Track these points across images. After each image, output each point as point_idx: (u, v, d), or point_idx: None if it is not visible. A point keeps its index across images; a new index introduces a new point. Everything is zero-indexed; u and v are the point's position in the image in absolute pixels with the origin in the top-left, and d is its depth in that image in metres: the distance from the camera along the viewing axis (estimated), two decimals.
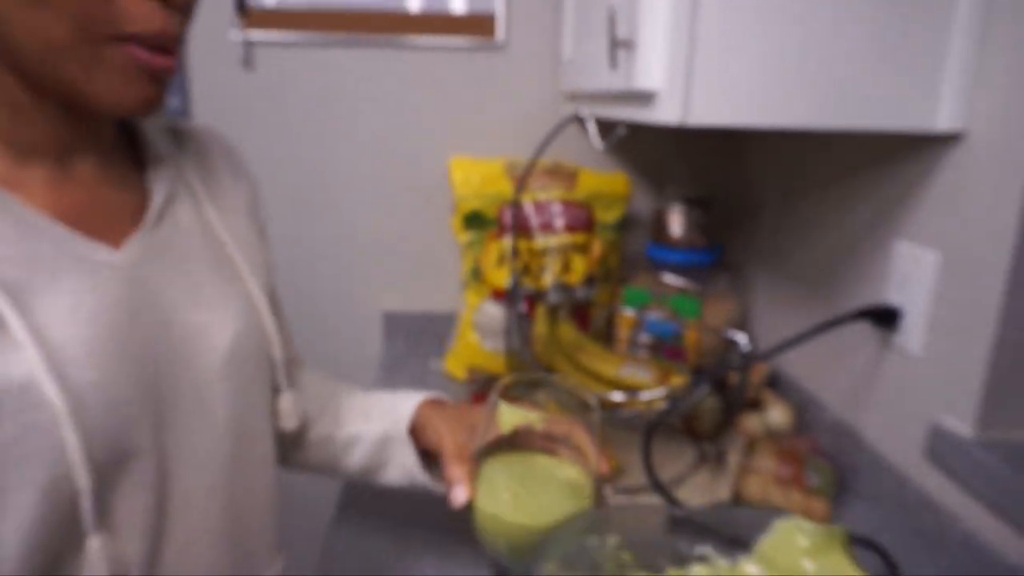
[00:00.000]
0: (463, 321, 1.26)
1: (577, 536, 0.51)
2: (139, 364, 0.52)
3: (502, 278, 1.20)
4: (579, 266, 1.21)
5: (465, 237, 1.23)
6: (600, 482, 0.62)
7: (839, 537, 0.50)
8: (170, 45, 0.49)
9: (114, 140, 0.58)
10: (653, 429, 0.88)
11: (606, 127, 0.91)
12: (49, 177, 0.51)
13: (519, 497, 0.60)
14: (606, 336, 1.27)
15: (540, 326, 1.04)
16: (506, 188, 1.22)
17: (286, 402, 0.67)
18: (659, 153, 0.86)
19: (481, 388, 1.11)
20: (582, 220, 1.21)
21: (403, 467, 0.73)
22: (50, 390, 0.45)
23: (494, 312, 1.22)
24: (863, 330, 0.88)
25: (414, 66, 1.28)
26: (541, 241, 1.20)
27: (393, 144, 1.32)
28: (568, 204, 1.21)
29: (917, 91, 0.72)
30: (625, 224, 1.27)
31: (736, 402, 0.92)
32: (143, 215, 0.56)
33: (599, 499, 0.61)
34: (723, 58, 0.70)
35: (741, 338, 0.92)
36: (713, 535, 0.53)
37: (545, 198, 1.21)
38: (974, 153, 0.73)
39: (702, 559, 0.53)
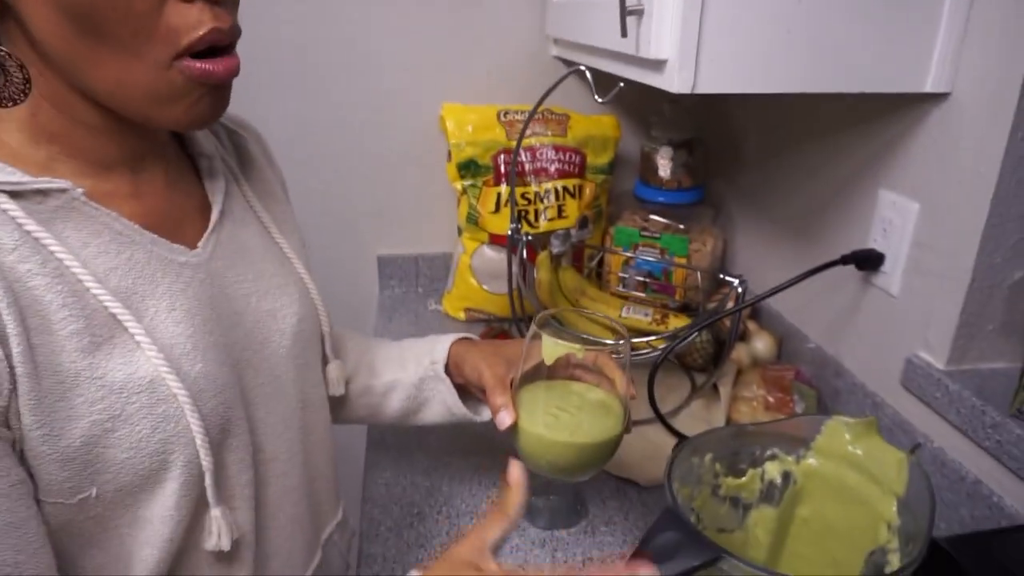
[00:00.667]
0: (460, 264, 1.30)
1: (687, 458, 0.61)
2: (226, 351, 0.56)
3: (500, 224, 1.24)
4: (572, 209, 1.25)
5: (460, 184, 1.26)
6: (628, 403, 0.70)
7: (873, 424, 0.62)
8: (225, 41, 0.49)
9: (170, 143, 0.60)
10: (656, 369, 0.95)
11: (600, 77, 0.94)
12: (130, 188, 0.53)
13: (559, 418, 0.69)
14: (597, 274, 1.34)
15: (543, 272, 1.09)
16: (499, 134, 1.25)
17: (333, 371, 0.73)
18: (645, 95, 0.89)
19: (494, 331, 1.17)
20: (575, 164, 1.25)
21: (444, 404, 0.80)
22: (172, 384, 0.50)
23: (493, 256, 1.26)
24: (845, 271, 0.96)
25: (399, 10, 1.27)
26: (535, 186, 1.24)
27: (380, 89, 1.32)
28: (561, 149, 1.25)
29: (910, 56, 0.77)
30: (613, 165, 1.32)
31: (730, 339, 1.00)
32: (206, 215, 0.59)
33: (627, 418, 0.69)
34: (731, 27, 0.74)
35: (735, 279, 0.99)
36: (778, 439, 0.65)
37: (538, 144, 1.24)
38: (958, 111, 0.79)
39: (772, 458, 0.65)
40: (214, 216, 0.59)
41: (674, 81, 0.76)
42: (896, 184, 0.89)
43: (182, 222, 0.57)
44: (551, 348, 0.67)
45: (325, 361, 0.73)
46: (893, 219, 0.89)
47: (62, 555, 0.50)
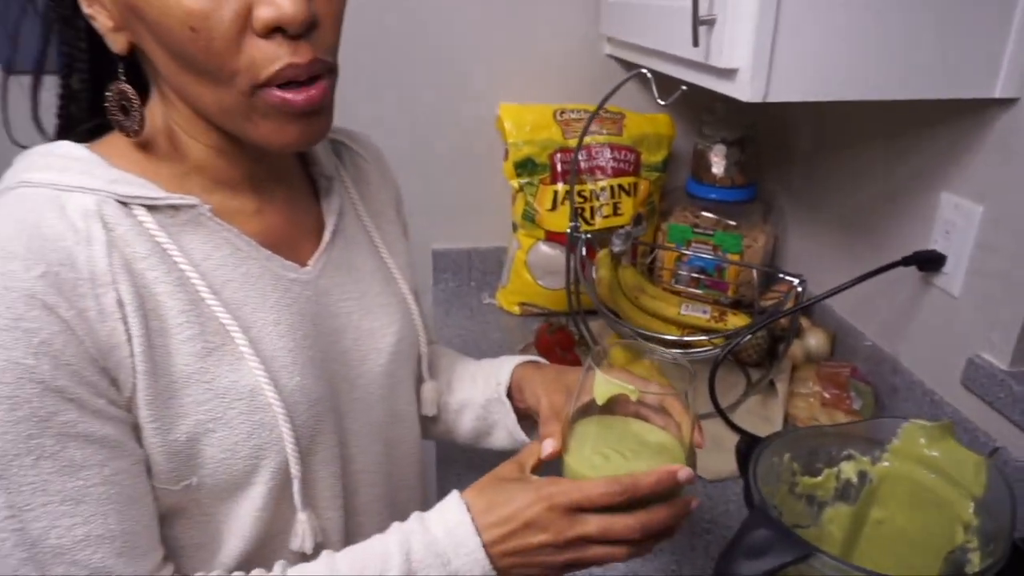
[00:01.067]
0: (515, 260, 1.33)
1: (768, 458, 0.64)
2: (323, 366, 0.60)
3: (557, 221, 1.27)
4: (628, 206, 1.28)
5: (517, 182, 1.29)
6: (693, 450, 0.62)
7: (948, 428, 0.64)
8: (302, 76, 0.49)
9: (293, 164, 0.63)
10: (716, 367, 0.98)
11: (660, 79, 0.96)
12: (253, 206, 0.58)
13: (608, 459, 0.60)
14: (649, 269, 1.36)
15: (603, 270, 1.12)
16: (556, 133, 1.27)
17: (427, 391, 0.75)
18: (698, 93, 0.91)
19: (553, 327, 1.19)
20: (630, 162, 1.28)
21: (506, 428, 0.77)
22: (270, 394, 0.54)
23: (549, 252, 1.29)
24: (903, 270, 0.97)
25: (457, 11, 1.29)
26: (591, 184, 1.26)
27: (439, 88, 1.34)
28: (616, 147, 1.27)
29: (980, 62, 0.79)
30: (667, 163, 1.33)
31: (788, 338, 1.02)
32: (321, 233, 0.63)
33: (691, 466, 0.59)
34: (804, 36, 0.75)
35: (795, 278, 1.01)
36: (855, 441, 0.68)
37: (594, 143, 1.26)
38: None
39: (849, 458, 0.68)
40: (326, 236, 0.63)
41: (746, 90, 0.78)
42: (959, 187, 0.91)
43: (297, 240, 0.61)
44: (603, 387, 0.59)
45: (420, 380, 0.75)
46: (956, 221, 0.91)
47: (166, 530, 0.55)
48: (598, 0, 1.30)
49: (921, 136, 0.97)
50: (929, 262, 0.93)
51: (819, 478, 0.68)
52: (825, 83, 0.78)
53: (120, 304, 0.48)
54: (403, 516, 0.73)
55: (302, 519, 0.58)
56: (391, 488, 0.70)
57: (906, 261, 0.94)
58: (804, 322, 1.21)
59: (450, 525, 0.53)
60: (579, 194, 1.25)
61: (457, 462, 0.97)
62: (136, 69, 0.54)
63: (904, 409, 1.01)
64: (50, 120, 0.57)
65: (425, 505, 0.79)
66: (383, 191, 0.74)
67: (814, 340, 1.18)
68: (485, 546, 0.53)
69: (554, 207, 1.27)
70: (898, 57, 0.77)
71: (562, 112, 1.28)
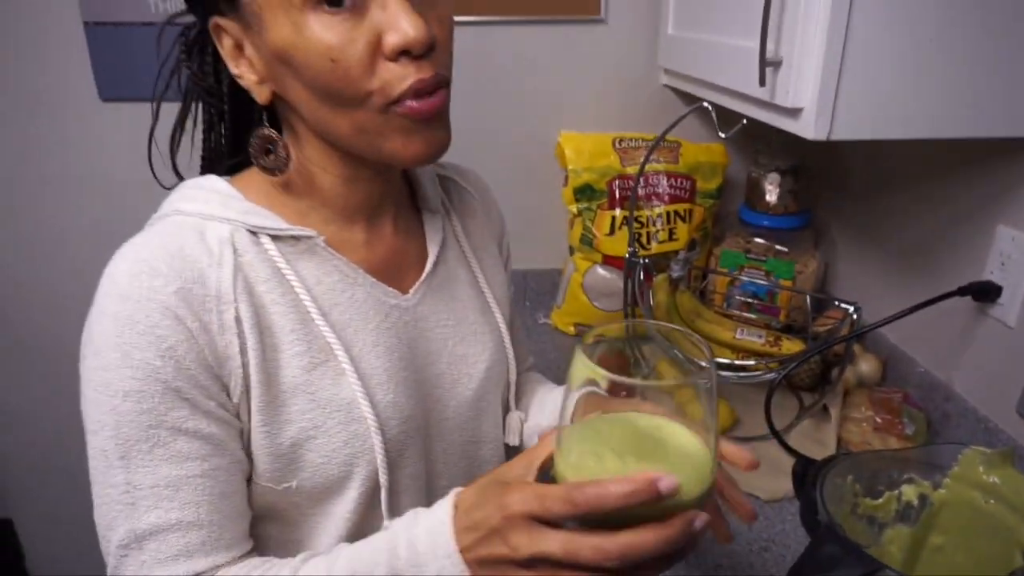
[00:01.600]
0: (571, 282, 1.38)
1: (832, 479, 0.67)
2: (416, 387, 0.66)
3: (614, 246, 1.31)
4: (683, 232, 1.32)
5: (575, 207, 1.34)
6: (715, 452, 0.49)
7: (1008, 455, 0.67)
8: (428, 88, 0.55)
9: (404, 196, 0.69)
10: (772, 391, 1.01)
11: (719, 111, 1.01)
12: (363, 237, 0.64)
13: (602, 461, 0.47)
14: (700, 293, 1.40)
15: (660, 294, 1.16)
16: (614, 161, 1.32)
17: (512, 421, 0.79)
18: (753, 123, 0.95)
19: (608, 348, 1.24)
20: (686, 189, 1.32)
21: None
22: (365, 408, 0.60)
23: (606, 276, 1.34)
24: (957, 300, 1.00)
25: (521, 41, 1.35)
26: (648, 210, 1.31)
27: (499, 114, 1.40)
28: (673, 175, 1.31)
29: None
30: (721, 190, 1.37)
31: (843, 365, 1.05)
32: (424, 263, 0.69)
33: (712, 474, 0.47)
34: (868, 76, 0.79)
35: (850, 305, 1.04)
36: (916, 465, 0.70)
37: (652, 170, 1.31)
38: None
39: (910, 482, 0.71)
40: (428, 266, 0.68)
41: (810, 128, 0.82)
42: (1016, 220, 0.93)
43: (401, 268, 0.66)
44: (579, 369, 0.47)
45: (508, 408, 0.78)
46: (1012, 254, 0.93)
47: (265, 527, 0.61)
48: (656, 33, 1.35)
49: (977, 169, 1.00)
50: (985, 292, 0.96)
51: (880, 500, 0.71)
52: (888, 122, 0.81)
53: (238, 320, 0.55)
54: None
55: (387, 526, 0.62)
56: None
57: (962, 291, 0.97)
58: (856, 348, 1.23)
59: (433, 524, 0.51)
60: (636, 220, 1.30)
61: None
62: (271, 116, 0.61)
63: (957, 435, 1.03)
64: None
65: None
66: (487, 226, 0.79)
67: (866, 366, 1.20)
68: (460, 551, 0.49)
69: (611, 232, 1.32)
70: (959, 97, 0.81)
71: (620, 140, 1.33)
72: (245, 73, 0.58)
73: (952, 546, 0.70)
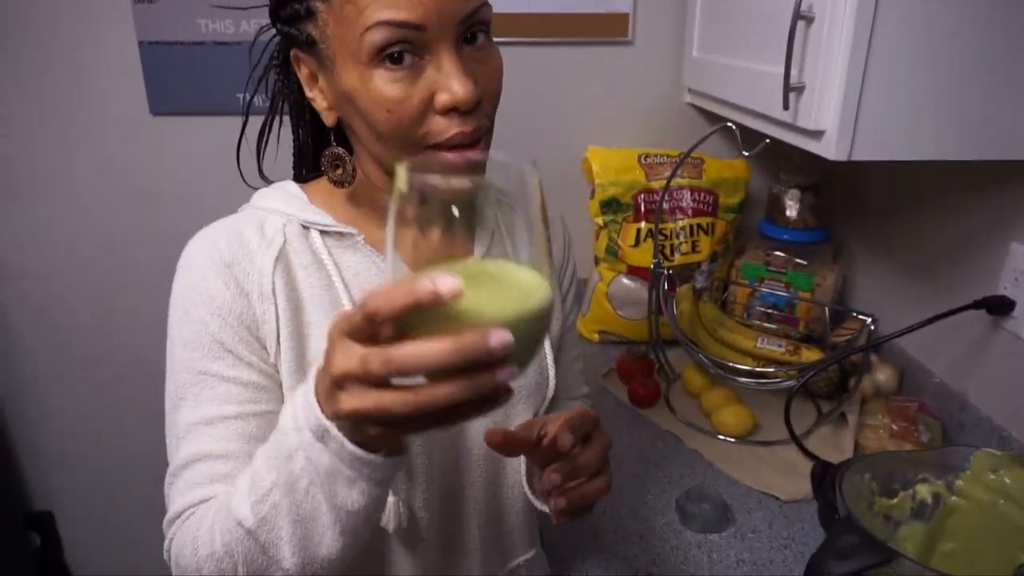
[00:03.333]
0: (596, 291, 1.43)
1: (851, 478, 0.72)
2: None
3: (638, 257, 1.37)
4: (705, 245, 1.37)
5: (601, 219, 1.40)
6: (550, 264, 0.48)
7: (1016, 457, 0.72)
8: (467, 140, 0.61)
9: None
10: (792, 398, 1.06)
11: (742, 130, 1.06)
12: (411, 242, 0.69)
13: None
14: (721, 303, 1.44)
15: (684, 304, 1.21)
16: (639, 176, 1.38)
17: None
18: (773, 140, 1.01)
19: (634, 355, 1.29)
20: (709, 204, 1.37)
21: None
22: None
23: (630, 285, 1.39)
24: (972, 313, 1.04)
25: (553, 61, 1.41)
26: (672, 223, 1.36)
27: (529, 129, 1.46)
28: (696, 190, 1.37)
29: None
30: (743, 204, 1.43)
31: (860, 374, 1.10)
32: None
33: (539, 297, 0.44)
34: (887, 100, 0.84)
35: (867, 317, 1.09)
36: (929, 466, 0.75)
37: (675, 185, 1.36)
38: None
39: (924, 481, 0.75)
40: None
41: (832, 149, 0.87)
42: None
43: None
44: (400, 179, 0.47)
45: None
46: None
47: None
48: (681, 55, 1.41)
49: (992, 189, 1.04)
50: (999, 306, 1.00)
51: (895, 500, 0.76)
52: (907, 144, 0.86)
53: (274, 293, 0.64)
54: (509, 537, 0.81)
55: (391, 502, 0.68)
56: (497, 510, 0.79)
57: (976, 305, 1.01)
58: (873, 358, 1.28)
59: (303, 391, 0.50)
60: (661, 232, 1.35)
61: None
62: (341, 134, 0.68)
63: (972, 443, 1.07)
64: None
65: (535, 536, 0.86)
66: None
67: (883, 375, 1.25)
68: (315, 394, 0.48)
69: (636, 243, 1.37)
70: (975, 121, 0.85)
71: (646, 156, 1.39)
72: (317, 98, 0.66)
73: (963, 545, 0.75)
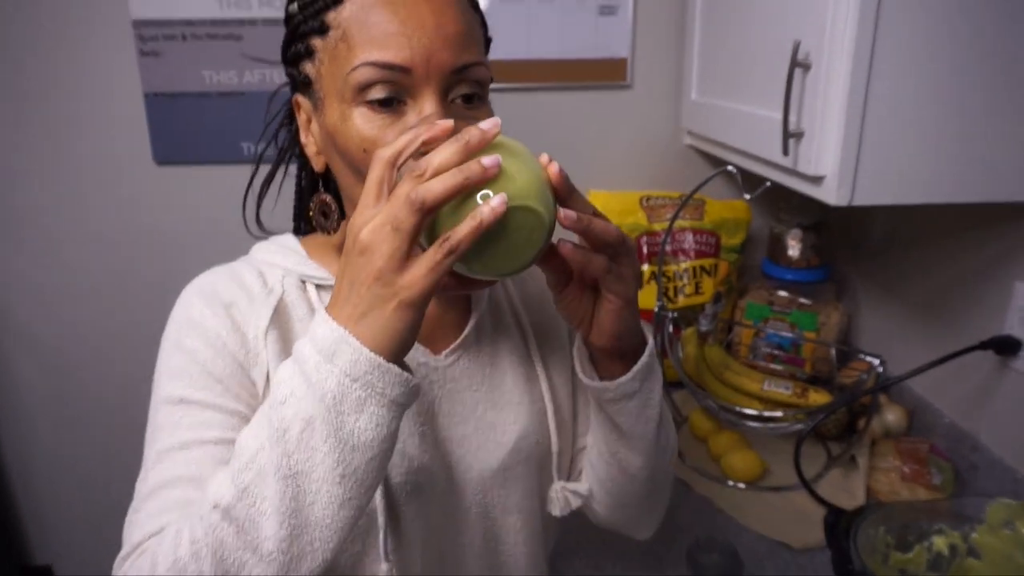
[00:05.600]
0: None
1: (865, 530, 0.71)
2: (436, 443, 0.68)
3: (641, 299, 1.36)
4: (708, 286, 1.37)
5: None
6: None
7: None
8: None
9: None
10: (801, 442, 1.05)
11: (743, 173, 1.06)
12: None
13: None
14: (726, 344, 1.44)
15: (689, 347, 1.21)
16: (641, 218, 1.38)
17: (554, 491, 0.74)
18: (774, 182, 1.03)
19: None
20: (711, 245, 1.37)
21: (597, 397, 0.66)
22: None
23: None
24: (979, 353, 1.04)
25: (554, 106, 1.43)
26: (674, 265, 1.36)
27: None
28: (698, 232, 1.37)
29: None
30: (744, 245, 1.43)
31: (869, 416, 1.08)
32: (465, 326, 0.71)
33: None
34: (887, 145, 0.85)
35: (875, 359, 1.08)
36: (945, 516, 0.74)
37: (677, 227, 1.37)
38: None
39: (939, 532, 0.74)
40: (466, 331, 0.71)
41: (832, 195, 0.87)
42: None
43: (440, 328, 0.70)
44: None
45: (551, 479, 0.74)
46: None
47: None
48: (680, 98, 1.42)
49: (995, 229, 1.04)
50: (1007, 346, 1.00)
51: (911, 554, 0.74)
52: (907, 188, 0.86)
53: (267, 335, 0.63)
54: None
55: (383, 569, 0.64)
56: (491, 567, 0.75)
57: (984, 345, 1.01)
58: (882, 398, 1.26)
59: (316, 322, 0.50)
60: (664, 274, 1.35)
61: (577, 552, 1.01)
62: (332, 183, 0.68)
63: (986, 486, 1.06)
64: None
65: None
66: (547, 301, 0.77)
67: (892, 416, 1.23)
68: (334, 319, 0.49)
69: (639, 286, 1.37)
70: (975, 164, 0.86)
71: (647, 199, 1.39)
72: (309, 144, 0.66)
73: None
